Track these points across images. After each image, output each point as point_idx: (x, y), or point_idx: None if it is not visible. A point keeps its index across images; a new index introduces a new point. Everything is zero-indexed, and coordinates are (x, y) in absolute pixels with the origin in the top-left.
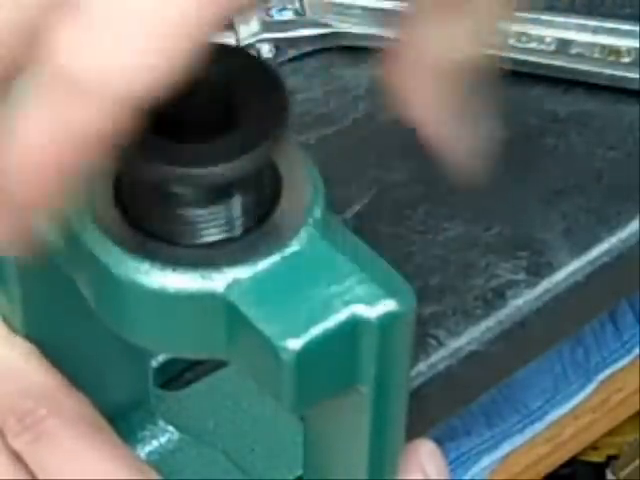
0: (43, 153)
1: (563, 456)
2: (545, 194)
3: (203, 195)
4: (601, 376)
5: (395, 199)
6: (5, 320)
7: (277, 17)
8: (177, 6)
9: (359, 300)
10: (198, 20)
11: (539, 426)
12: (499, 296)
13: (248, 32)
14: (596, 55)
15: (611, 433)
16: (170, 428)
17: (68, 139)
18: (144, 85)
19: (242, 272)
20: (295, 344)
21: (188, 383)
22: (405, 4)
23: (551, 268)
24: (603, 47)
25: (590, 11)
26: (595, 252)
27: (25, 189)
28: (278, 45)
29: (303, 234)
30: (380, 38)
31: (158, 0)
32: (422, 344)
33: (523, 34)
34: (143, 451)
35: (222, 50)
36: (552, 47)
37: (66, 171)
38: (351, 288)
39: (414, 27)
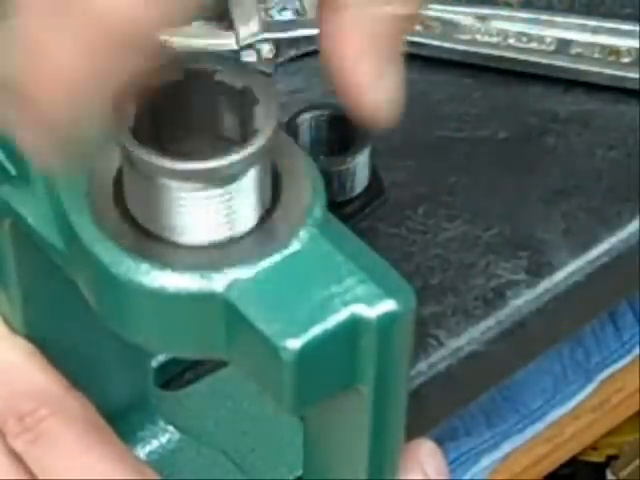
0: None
1: (563, 456)
2: (545, 194)
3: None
4: (601, 376)
5: (395, 199)
6: (5, 320)
7: (277, 17)
8: None
9: (359, 300)
10: None
11: (539, 426)
12: (499, 296)
13: (248, 32)
14: (596, 55)
15: (611, 433)
16: (170, 428)
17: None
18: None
19: (242, 272)
20: (295, 344)
21: (188, 383)
22: None
23: (551, 268)
24: (603, 47)
25: (590, 11)
26: (595, 252)
27: (52, 99)
28: (278, 45)
29: (303, 234)
30: None
31: None
32: (422, 344)
33: (523, 34)
34: (143, 451)
35: None
36: (552, 47)
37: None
38: (351, 288)
39: None
